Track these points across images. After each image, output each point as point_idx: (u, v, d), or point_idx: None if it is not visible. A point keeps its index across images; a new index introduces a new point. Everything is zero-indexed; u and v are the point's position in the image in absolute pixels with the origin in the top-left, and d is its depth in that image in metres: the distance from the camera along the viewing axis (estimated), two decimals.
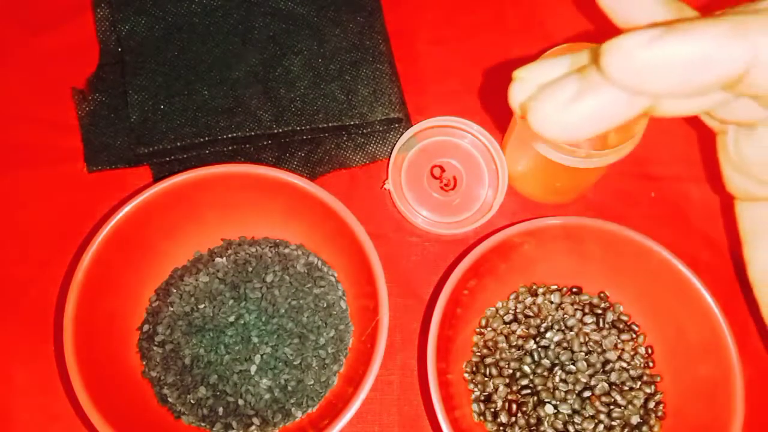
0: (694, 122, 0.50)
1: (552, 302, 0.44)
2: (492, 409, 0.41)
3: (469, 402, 0.42)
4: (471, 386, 0.43)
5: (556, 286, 0.45)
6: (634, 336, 0.43)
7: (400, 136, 0.48)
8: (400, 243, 0.48)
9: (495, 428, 0.41)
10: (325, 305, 0.44)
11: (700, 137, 0.50)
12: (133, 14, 0.51)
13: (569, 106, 0.19)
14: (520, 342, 0.43)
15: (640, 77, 0.17)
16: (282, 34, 0.50)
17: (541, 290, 0.44)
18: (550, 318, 0.43)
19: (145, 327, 0.43)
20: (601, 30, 0.52)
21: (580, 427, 0.40)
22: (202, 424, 0.42)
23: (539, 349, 0.42)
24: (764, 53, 0.17)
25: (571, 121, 0.19)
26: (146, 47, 0.50)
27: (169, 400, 0.42)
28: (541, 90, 0.19)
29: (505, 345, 0.43)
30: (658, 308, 0.42)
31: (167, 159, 0.48)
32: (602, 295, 0.44)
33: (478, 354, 0.43)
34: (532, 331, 0.43)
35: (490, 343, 0.43)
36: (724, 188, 0.49)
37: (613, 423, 0.40)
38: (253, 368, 0.42)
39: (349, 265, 0.44)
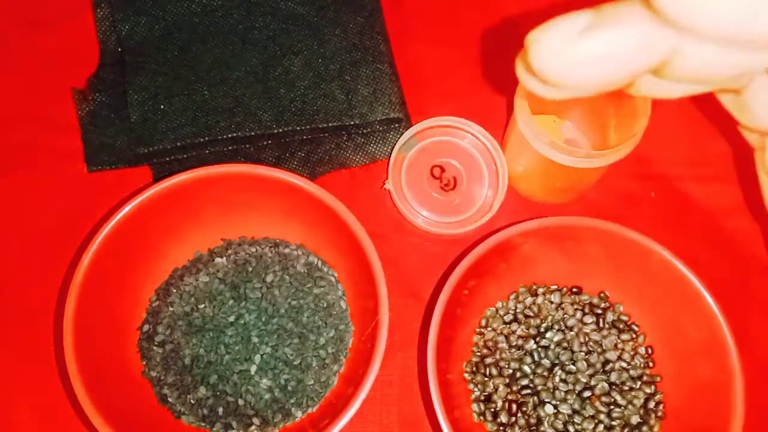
0: (694, 121, 0.50)
1: (552, 302, 0.44)
2: (492, 409, 0.41)
3: (469, 402, 0.42)
4: (471, 386, 0.43)
5: (556, 286, 0.45)
6: (634, 336, 0.43)
7: (400, 136, 0.48)
8: (400, 243, 0.48)
9: (495, 428, 0.41)
10: (325, 305, 0.44)
11: (701, 137, 0.50)
12: (133, 14, 0.51)
13: (579, 40, 0.16)
14: (520, 342, 0.43)
15: None
16: (282, 34, 0.50)
17: (541, 290, 0.44)
18: (550, 318, 0.43)
19: (145, 327, 0.43)
20: None
21: (580, 427, 0.40)
22: (202, 424, 0.42)
23: (539, 349, 0.42)
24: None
25: (578, 59, 0.16)
26: (146, 47, 0.50)
27: (169, 400, 0.42)
28: (547, 24, 0.16)
29: (505, 345, 0.43)
30: (658, 308, 0.42)
31: (167, 159, 0.48)
32: (602, 295, 0.44)
33: (478, 354, 0.43)
34: (532, 331, 0.43)
35: (490, 343, 0.43)
36: (726, 189, 0.49)
37: (613, 423, 0.40)
38: (253, 368, 0.42)
39: (349, 265, 0.44)
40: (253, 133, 0.48)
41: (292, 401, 0.42)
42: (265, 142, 0.49)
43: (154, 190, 0.41)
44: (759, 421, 0.42)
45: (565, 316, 0.43)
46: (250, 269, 0.44)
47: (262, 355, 0.42)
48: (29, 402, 0.44)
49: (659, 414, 0.41)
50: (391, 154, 0.48)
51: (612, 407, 0.41)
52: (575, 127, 0.49)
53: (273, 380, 0.42)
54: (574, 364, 0.42)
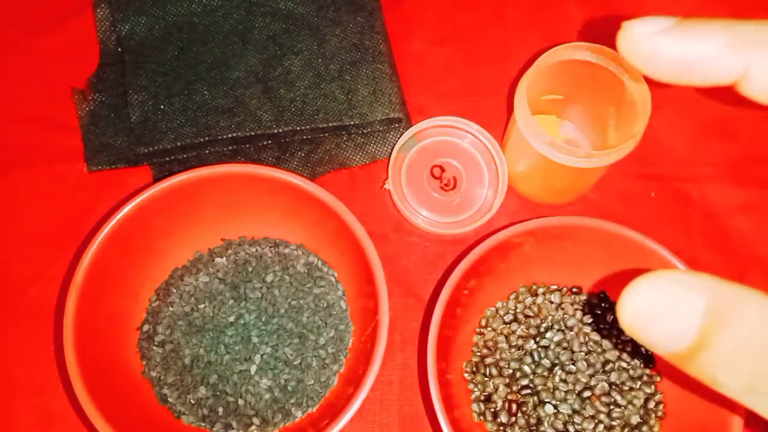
0: (694, 121, 0.50)
1: (552, 302, 0.44)
2: (492, 409, 0.41)
3: (469, 402, 0.42)
4: (471, 386, 0.43)
5: (556, 286, 0.45)
6: None
7: (400, 136, 0.48)
8: (400, 243, 0.48)
9: (495, 428, 0.41)
10: (325, 305, 0.44)
11: (701, 137, 0.50)
12: (133, 14, 0.51)
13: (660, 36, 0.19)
14: (520, 342, 0.43)
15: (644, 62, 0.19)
16: (282, 34, 0.50)
17: (541, 290, 0.44)
18: (550, 318, 0.43)
19: (145, 327, 0.43)
20: (601, 30, 0.52)
21: (580, 427, 0.40)
22: (202, 424, 0.42)
23: (539, 349, 0.42)
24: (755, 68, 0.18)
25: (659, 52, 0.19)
26: (146, 47, 0.50)
27: (169, 400, 0.42)
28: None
29: (505, 345, 0.43)
30: None
31: (167, 159, 0.48)
32: (602, 295, 0.44)
33: (478, 354, 0.43)
34: (532, 331, 0.43)
35: (490, 343, 0.43)
36: (726, 189, 0.49)
37: (613, 423, 0.40)
38: (253, 368, 0.42)
39: (349, 265, 0.44)
40: (253, 133, 0.48)
41: (292, 401, 0.42)
42: (265, 142, 0.49)
43: (154, 190, 0.41)
44: (759, 420, 0.42)
45: (565, 316, 0.43)
46: (250, 269, 0.44)
47: (262, 355, 0.42)
48: (29, 402, 0.44)
49: (659, 414, 0.41)
50: (391, 154, 0.48)
51: (612, 407, 0.41)
52: (575, 127, 0.49)
53: (273, 380, 0.42)
54: (574, 364, 0.42)
